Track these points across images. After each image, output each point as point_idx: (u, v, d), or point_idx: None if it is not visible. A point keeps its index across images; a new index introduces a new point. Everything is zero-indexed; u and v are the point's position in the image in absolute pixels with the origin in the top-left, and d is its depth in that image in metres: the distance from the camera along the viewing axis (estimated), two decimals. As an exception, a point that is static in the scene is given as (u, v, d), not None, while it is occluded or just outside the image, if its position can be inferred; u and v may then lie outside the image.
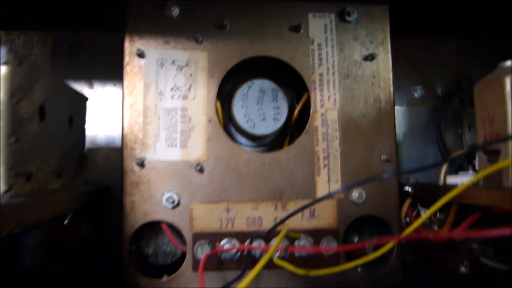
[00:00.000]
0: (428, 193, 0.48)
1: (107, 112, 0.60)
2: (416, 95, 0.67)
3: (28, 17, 0.56)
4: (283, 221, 0.44)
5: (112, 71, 0.58)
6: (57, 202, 0.35)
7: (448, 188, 0.40)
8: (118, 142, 0.59)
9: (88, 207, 0.47)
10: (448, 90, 0.67)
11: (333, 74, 0.50)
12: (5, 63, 0.29)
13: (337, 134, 0.49)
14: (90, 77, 0.59)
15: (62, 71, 0.59)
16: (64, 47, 0.59)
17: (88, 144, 0.58)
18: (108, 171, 0.58)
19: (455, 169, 0.54)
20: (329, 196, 0.47)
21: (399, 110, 0.65)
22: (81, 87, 0.59)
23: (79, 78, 0.59)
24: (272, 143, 0.55)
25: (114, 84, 0.60)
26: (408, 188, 0.51)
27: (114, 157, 0.58)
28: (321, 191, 0.48)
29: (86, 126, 0.50)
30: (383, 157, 0.49)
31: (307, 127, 0.49)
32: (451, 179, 0.47)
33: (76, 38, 0.59)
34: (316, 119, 0.49)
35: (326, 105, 0.49)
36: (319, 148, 0.49)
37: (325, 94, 0.49)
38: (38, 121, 0.33)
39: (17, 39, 0.58)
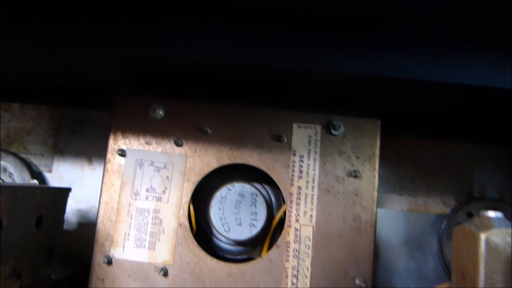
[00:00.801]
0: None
1: (103, 188, 0.61)
2: (420, 199, 0.63)
3: (39, 91, 0.60)
4: None
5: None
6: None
7: None
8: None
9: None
10: (456, 198, 0.62)
11: (313, 188, 0.48)
12: None
13: (310, 252, 0.47)
14: (91, 154, 0.62)
15: (65, 146, 0.62)
16: (70, 123, 0.62)
17: (80, 218, 0.60)
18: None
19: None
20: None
21: (399, 215, 0.62)
22: (81, 163, 0.61)
23: (80, 154, 0.62)
24: (251, 244, 0.54)
25: (112, 163, 0.62)
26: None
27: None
28: (286, 311, 0.46)
29: (71, 203, 0.52)
30: (357, 282, 0.46)
31: (278, 241, 0.48)
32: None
33: (81, 115, 0.62)
34: (289, 234, 0.48)
35: (302, 220, 0.48)
36: (289, 265, 0.47)
37: (301, 208, 0.48)
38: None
39: (29, 111, 0.62)
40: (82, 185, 0.61)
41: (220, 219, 0.50)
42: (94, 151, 0.62)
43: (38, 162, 0.61)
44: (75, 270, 0.52)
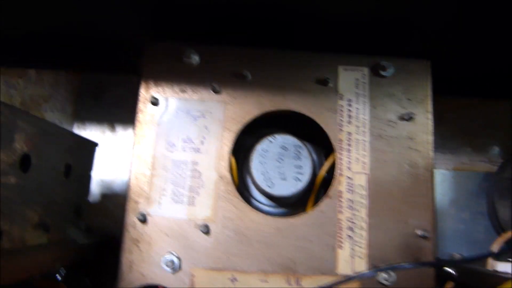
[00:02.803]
0: (474, 280, 0.41)
1: (126, 157, 0.57)
2: (465, 158, 0.59)
3: (57, 55, 0.56)
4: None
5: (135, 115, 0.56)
6: (36, 260, 0.32)
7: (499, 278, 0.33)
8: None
9: (91, 260, 0.43)
10: (503, 155, 0.58)
11: (364, 133, 0.44)
12: None
13: (365, 202, 0.43)
14: (113, 120, 0.58)
15: (86, 113, 0.58)
16: (90, 89, 0.58)
17: (104, 189, 0.56)
18: (119, 220, 0.54)
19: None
20: (353, 278, 0.41)
21: (444, 175, 0.58)
22: (103, 130, 0.57)
23: (102, 121, 0.58)
24: (294, 205, 0.50)
25: (136, 129, 0.58)
26: (450, 270, 0.43)
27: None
28: (342, 267, 0.42)
29: (99, 173, 0.48)
30: (418, 232, 0.42)
31: (330, 191, 0.44)
32: (503, 267, 0.39)
33: (102, 80, 0.58)
34: (341, 183, 0.44)
35: (354, 168, 0.44)
36: (343, 216, 0.43)
37: (353, 155, 0.44)
38: (18, 172, 0.31)
39: (46, 77, 0.58)
40: (104, 153, 0.57)
41: (262, 173, 0.46)
42: (117, 118, 0.58)
43: (57, 130, 0.57)
44: (101, 238, 0.48)
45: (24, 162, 0.32)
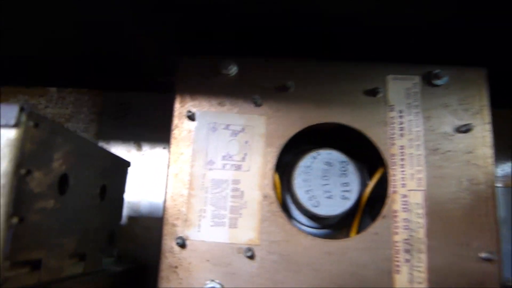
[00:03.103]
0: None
1: (153, 177, 0.54)
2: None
3: (79, 74, 0.53)
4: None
5: (162, 134, 0.53)
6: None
7: None
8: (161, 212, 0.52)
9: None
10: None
11: (418, 147, 0.41)
12: (15, 125, 0.23)
13: (423, 222, 0.39)
14: (139, 139, 0.55)
15: (110, 132, 0.55)
16: (114, 107, 0.55)
17: (129, 211, 0.52)
18: (147, 245, 0.51)
19: None
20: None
21: (501, 192, 0.54)
22: (129, 149, 0.54)
23: (127, 139, 0.55)
24: (337, 225, 0.46)
25: (164, 148, 0.54)
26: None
27: (156, 228, 0.52)
28: (401, 294, 0.38)
29: (125, 194, 0.44)
30: (481, 255, 0.38)
31: (384, 211, 0.40)
32: None
33: (126, 98, 0.55)
34: (396, 202, 0.40)
35: (409, 185, 0.40)
36: (399, 238, 0.39)
37: (407, 171, 0.40)
38: (56, 195, 0.27)
39: (68, 96, 0.55)
40: (130, 174, 0.53)
41: (307, 192, 0.43)
42: (143, 136, 0.55)
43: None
44: (131, 265, 0.44)
45: (62, 183, 0.28)
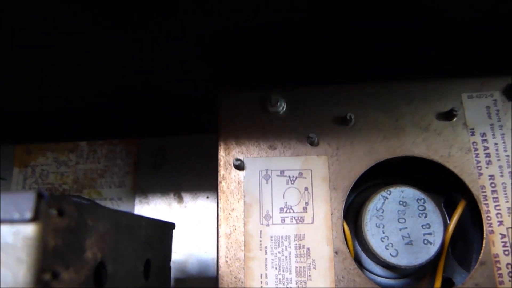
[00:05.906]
0: None
1: (199, 232, 0.48)
2: None
3: (110, 124, 0.49)
4: None
5: (205, 181, 0.48)
6: None
7: None
8: (213, 270, 0.47)
9: None
10: None
11: (510, 174, 0.34)
12: (33, 219, 0.18)
13: (532, 267, 0.32)
14: (179, 189, 0.49)
15: (147, 184, 0.50)
16: (150, 156, 0.50)
17: (175, 273, 0.47)
18: (200, 311, 0.45)
19: None
20: None
21: None
22: (170, 203, 0.49)
23: (166, 191, 0.49)
24: (417, 273, 0.39)
25: (207, 197, 0.49)
26: None
27: (208, 290, 0.46)
28: None
29: (172, 260, 0.39)
30: None
31: (481, 256, 0.33)
32: None
33: (162, 145, 0.51)
34: (495, 244, 0.33)
35: (507, 221, 0.33)
36: (506, 289, 0.32)
37: (502, 205, 0.34)
38: (91, 289, 0.22)
39: (99, 149, 0.51)
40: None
41: (382, 240, 0.36)
42: (184, 186, 0.49)
43: (117, 208, 0.49)
44: None
45: (99, 274, 0.23)
